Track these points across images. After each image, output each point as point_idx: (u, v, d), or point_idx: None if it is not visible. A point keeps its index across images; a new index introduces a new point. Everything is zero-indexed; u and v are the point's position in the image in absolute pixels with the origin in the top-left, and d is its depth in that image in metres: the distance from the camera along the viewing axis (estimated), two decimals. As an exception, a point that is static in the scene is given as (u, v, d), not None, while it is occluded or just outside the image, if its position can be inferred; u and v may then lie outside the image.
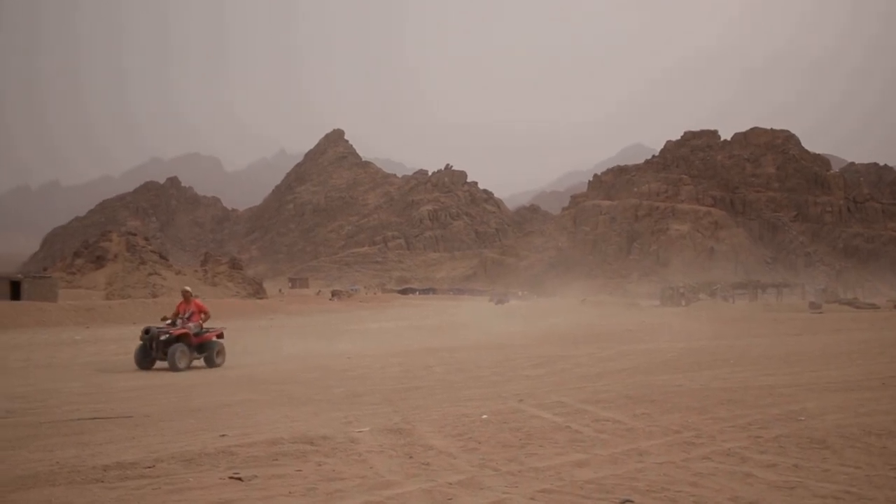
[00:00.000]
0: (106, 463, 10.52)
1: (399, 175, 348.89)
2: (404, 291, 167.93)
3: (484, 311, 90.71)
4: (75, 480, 9.52)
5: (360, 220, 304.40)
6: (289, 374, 24.01)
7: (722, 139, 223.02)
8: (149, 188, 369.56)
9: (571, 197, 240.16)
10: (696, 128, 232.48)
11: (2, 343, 38.80)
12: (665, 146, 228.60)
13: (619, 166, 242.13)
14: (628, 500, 8.33)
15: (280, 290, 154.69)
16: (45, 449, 12.00)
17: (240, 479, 9.41)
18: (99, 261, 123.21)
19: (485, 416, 13.90)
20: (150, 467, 10.19)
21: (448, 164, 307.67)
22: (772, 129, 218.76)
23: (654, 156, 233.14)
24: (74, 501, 8.45)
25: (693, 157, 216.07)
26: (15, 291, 70.83)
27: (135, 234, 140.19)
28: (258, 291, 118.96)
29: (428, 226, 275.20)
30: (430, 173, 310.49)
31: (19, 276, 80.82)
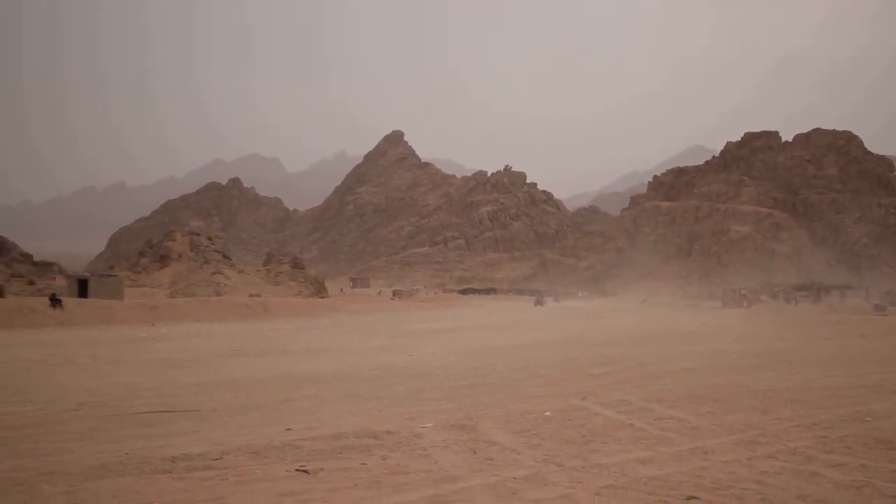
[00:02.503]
0: (174, 454, 10.69)
1: (458, 176, 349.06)
2: (465, 291, 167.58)
3: (544, 310, 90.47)
4: (144, 471, 9.70)
5: (420, 220, 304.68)
6: (351, 371, 24.15)
7: (783, 140, 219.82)
8: (211, 189, 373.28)
9: (631, 198, 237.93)
10: (756, 129, 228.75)
11: (70, 339, 39.53)
12: (725, 147, 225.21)
13: (678, 167, 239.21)
14: (694, 497, 8.28)
15: (341, 290, 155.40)
16: (114, 440, 12.23)
17: (306, 471, 9.51)
18: (163, 260, 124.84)
19: (548, 414, 13.89)
20: (217, 459, 10.34)
21: (507, 166, 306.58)
22: (834, 131, 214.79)
23: (713, 157, 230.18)
24: (144, 491, 8.59)
25: (753, 158, 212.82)
26: (82, 290, 72.12)
27: (198, 234, 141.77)
28: (320, 291, 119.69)
29: (488, 226, 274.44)
30: (489, 174, 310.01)
31: (86, 274, 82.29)
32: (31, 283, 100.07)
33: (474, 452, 10.64)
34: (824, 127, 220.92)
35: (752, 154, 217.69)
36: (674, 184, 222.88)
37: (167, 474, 9.47)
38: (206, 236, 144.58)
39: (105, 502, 8.09)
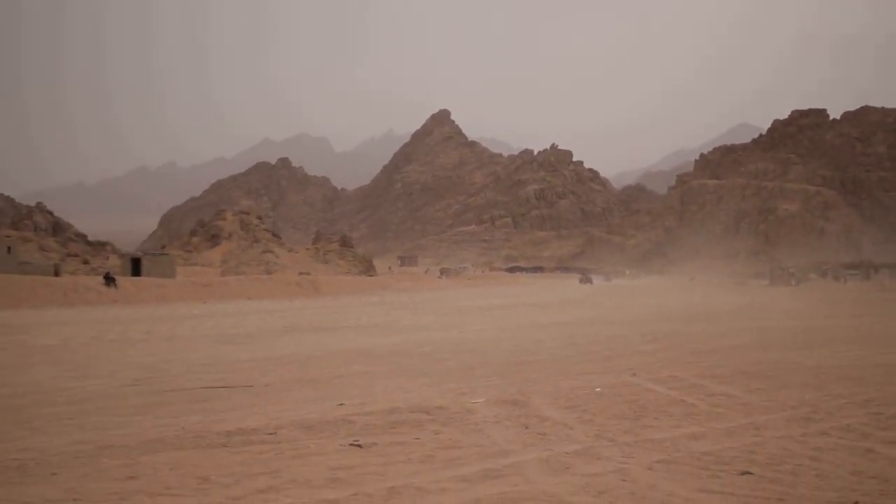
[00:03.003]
0: (229, 429, 10.86)
1: (505, 154, 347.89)
2: (512, 270, 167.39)
3: (591, 289, 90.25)
4: (200, 445, 9.86)
5: (467, 199, 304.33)
6: (402, 347, 24.30)
7: (831, 118, 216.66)
8: (261, 168, 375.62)
9: (678, 176, 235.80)
10: (803, 107, 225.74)
11: (125, 317, 40.11)
12: (772, 125, 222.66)
13: (725, 146, 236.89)
14: (747, 472, 8.27)
15: (389, 268, 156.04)
16: (171, 415, 12.44)
17: (359, 445, 9.62)
18: (214, 239, 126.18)
19: (598, 390, 13.91)
20: (271, 433, 10.49)
21: (554, 144, 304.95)
22: (883, 108, 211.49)
23: (760, 134, 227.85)
24: (201, 465, 8.73)
25: (801, 136, 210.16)
26: (136, 268, 73.18)
27: (248, 213, 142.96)
28: (368, 269, 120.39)
29: (534, 205, 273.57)
30: (535, 153, 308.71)
31: (140, 253, 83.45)
32: (86, 262, 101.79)
33: (526, 427, 10.69)
34: (873, 105, 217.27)
35: (799, 132, 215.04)
36: (721, 162, 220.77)
37: (223, 448, 9.63)
38: (255, 215, 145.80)
39: (163, 475, 8.24)
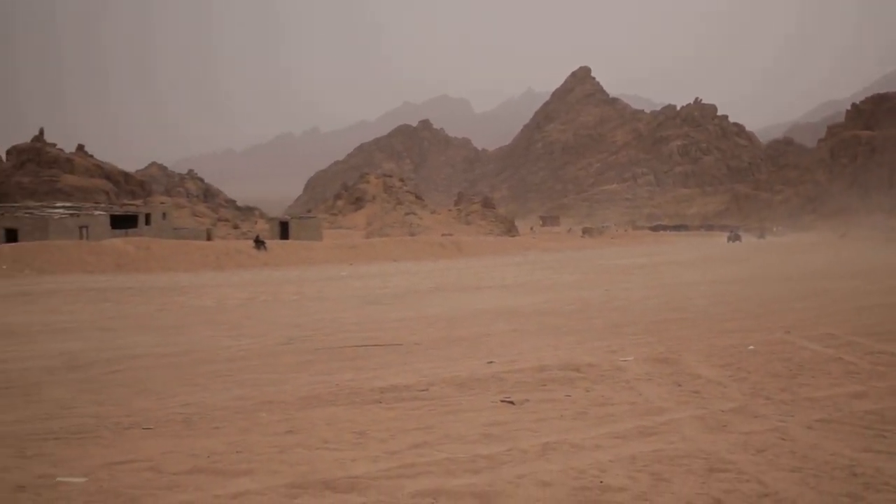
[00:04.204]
0: (382, 385, 11.04)
1: (647, 111, 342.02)
2: (655, 228, 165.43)
3: (739, 246, 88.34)
4: (355, 401, 10.04)
5: (608, 157, 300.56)
6: (548, 306, 24.27)
7: None
8: (402, 131, 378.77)
9: (828, 128, 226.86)
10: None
11: (275, 279, 41.18)
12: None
13: (879, 94, 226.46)
14: (915, 431, 7.96)
15: (531, 228, 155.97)
16: (324, 373, 12.72)
17: (511, 402, 9.63)
18: (358, 202, 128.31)
19: (751, 347, 13.61)
20: (423, 390, 10.61)
21: (697, 98, 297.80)
22: None
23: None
24: (356, 420, 8.89)
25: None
26: (284, 232, 75.08)
27: (391, 176, 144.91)
28: (510, 229, 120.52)
29: (678, 161, 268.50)
30: (678, 108, 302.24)
31: (287, 217, 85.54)
32: (236, 226, 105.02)
33: (679, 385, 10.54)
34: None
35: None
36: (874, 112, 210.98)
37: (377, 404, 9.78)
38: (398, 178, 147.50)
39: (320, 430, 8.42)
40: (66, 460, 7.19)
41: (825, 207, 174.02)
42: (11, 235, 53.62)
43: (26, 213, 59.44)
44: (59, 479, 6.55)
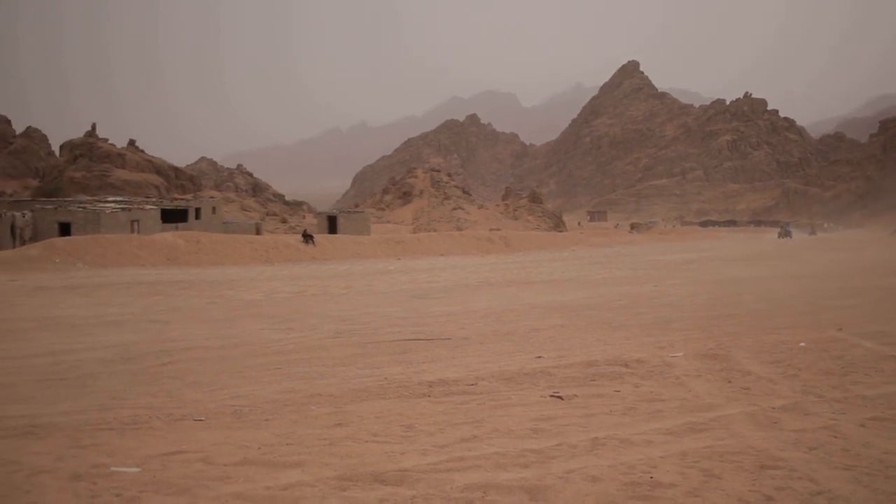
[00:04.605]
0: (430, 379, 11.08)
1: (696, 105, 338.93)
2: (704, 224, 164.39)
3: (789, 242, 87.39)
4: (403, 395, 10.10)
5: (657, 151, 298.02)
6: (597, 301, 24.16)
7: None
8: (449, 126, 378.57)
9: (881, 122, 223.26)
10: None
11: (323, 273, 41.36)
12: None
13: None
14: (973, 430, 7.84)
15: (579, 223, 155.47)
16: (373, 366, 12.79)
17: (560, 397, 9.63)
18: (406, 196, 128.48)
19: (802, 344, 13.47)
20: (472, 385, 10.64)
21: (747, 92, 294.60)
22: None
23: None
24: (405, 413, 8.94)
25: None
26: (332, 226, 75.44)
27: (438, 171, 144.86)
28: (558, 224, 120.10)
29: (727, 156, 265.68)
30: (727, 102, 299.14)
31: (335, 211, 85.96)
32: (284, 220, 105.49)
33: (729, 381, 10.48)
34: None
35: None
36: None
37: (425, 398, 9.83)
38: (445, 172, 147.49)
39: (369, 423, 8.47)
40: (119, 450, 7.31)
41: (877, 203, 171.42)
42: (65, 229, 54.38)
43: (79, 207, 60.15)
44: (113, 468, 6.66)
